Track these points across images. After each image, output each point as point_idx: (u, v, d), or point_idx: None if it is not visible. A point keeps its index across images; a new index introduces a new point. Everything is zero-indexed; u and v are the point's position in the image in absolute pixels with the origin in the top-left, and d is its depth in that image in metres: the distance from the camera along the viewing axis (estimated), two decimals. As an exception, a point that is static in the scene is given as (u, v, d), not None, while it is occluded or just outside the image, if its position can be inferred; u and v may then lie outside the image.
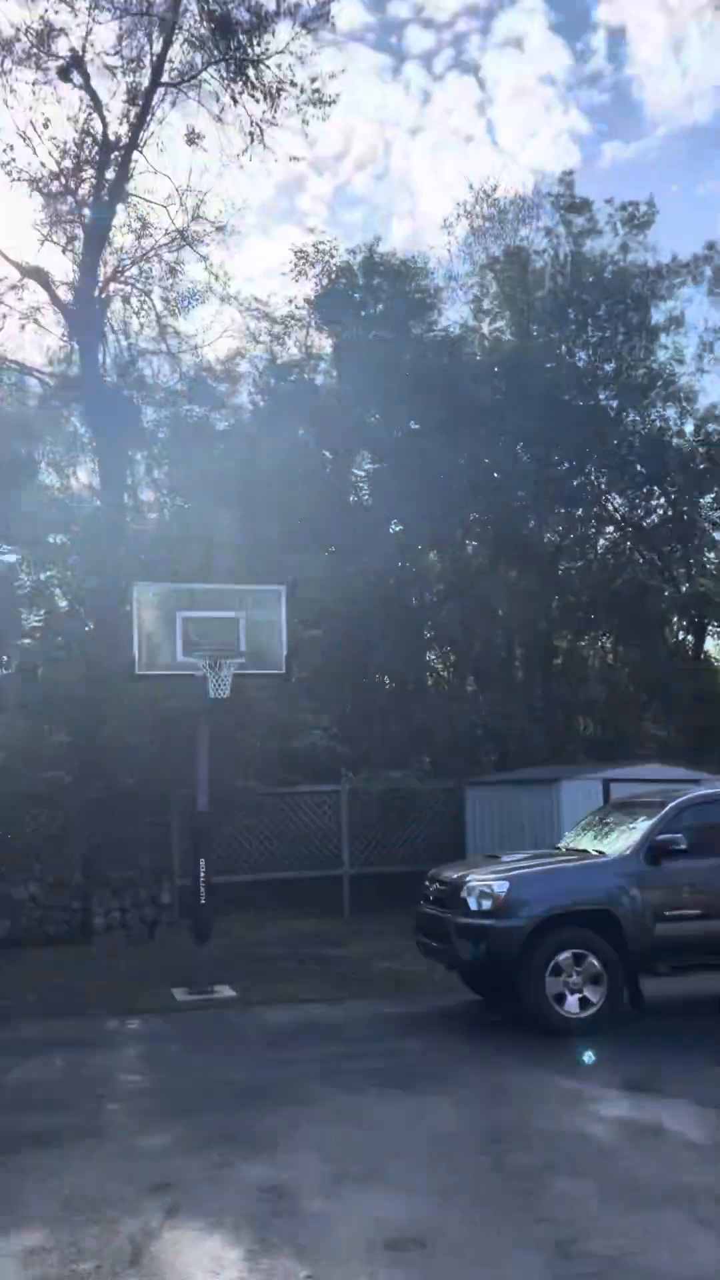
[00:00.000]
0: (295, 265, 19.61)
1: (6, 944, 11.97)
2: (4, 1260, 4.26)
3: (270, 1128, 5.84)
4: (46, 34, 17.07)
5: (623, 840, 8.59)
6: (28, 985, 10.08)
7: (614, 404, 19.95)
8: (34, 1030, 8.58)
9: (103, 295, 18.75)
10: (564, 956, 7.89)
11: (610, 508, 21.03)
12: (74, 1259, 4.25)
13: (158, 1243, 4.38)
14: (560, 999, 7.86)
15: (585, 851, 8.90)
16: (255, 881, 13.88)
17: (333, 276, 19.20)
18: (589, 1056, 7.14)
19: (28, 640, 14.47)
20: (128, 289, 20.01)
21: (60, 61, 17.27)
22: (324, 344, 20.20)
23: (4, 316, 19.23)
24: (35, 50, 17.11)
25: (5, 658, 13.96)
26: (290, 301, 20.09)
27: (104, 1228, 4.53)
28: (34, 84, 17.28)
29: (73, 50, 17.25)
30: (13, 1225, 4.59)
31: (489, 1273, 4.08)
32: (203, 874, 9.92)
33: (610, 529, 21.31)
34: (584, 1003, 7.88)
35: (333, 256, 19.43)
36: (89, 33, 17.22)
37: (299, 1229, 4.47)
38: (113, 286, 19.37)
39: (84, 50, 17.28)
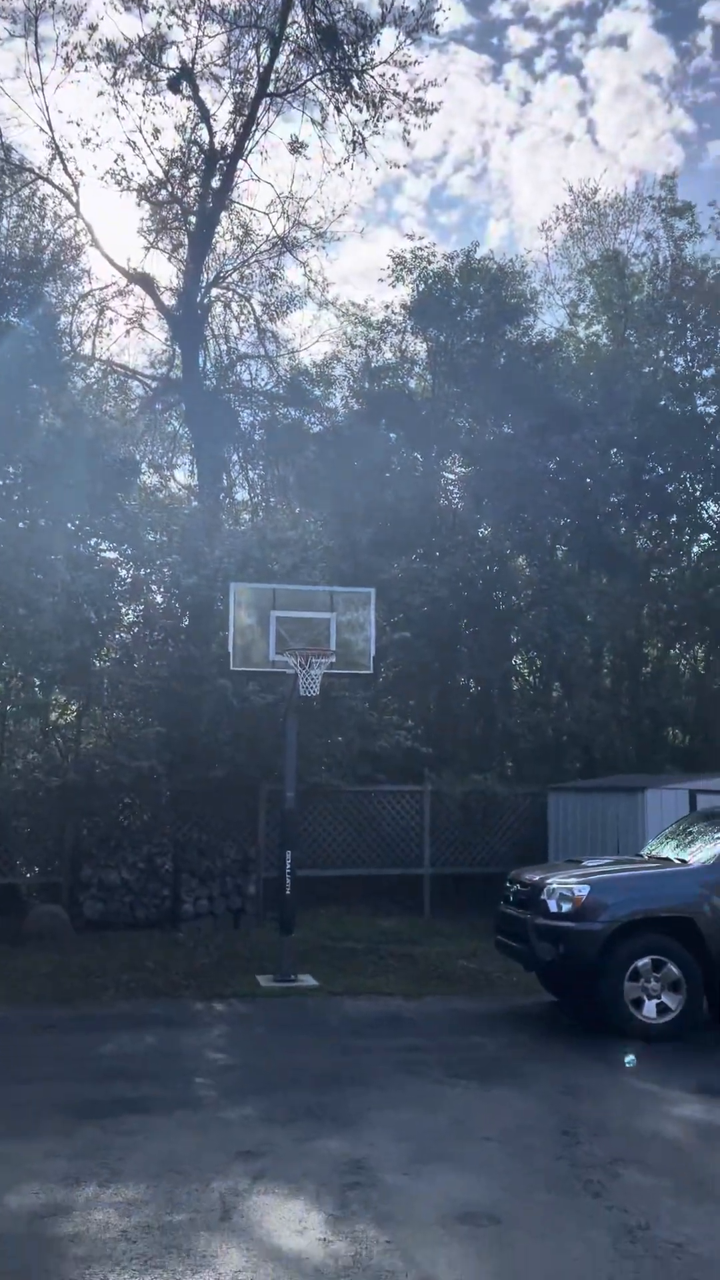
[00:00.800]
0: (393, 271, 19.82)
1: (99, 926, 12.47)
2: (106, 1209, 4.60)
3: (350, 1109, 6.10)
4: (158, 46, 17.69)
5: (707, 849, 8.62)
6: (120, 965, 10.53)
7: (711, 410, 19.70)
8: (125, 1008, 9.00)
9: (204, 300, 19.33)
10: (643, 962, 7.98)
11: (705, 515, 20.75)
12: (169, 1211, 4.57)
13: (247, 1202, 4.68)
14: (638, 1004, 7.96)
15: (668, 860, 8.96)
16: (338, 877, 14.17)
17: (429, 282, 19.34)
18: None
19: (125, 634, 15.01)
20: (229, 294, 20.62)
21: (170, 73, 17.89)
22: (419, 348, 20.38)
23: (110, 321, 20.02)
24: (146, 63, 17.74)
25: (104, 650, 14.50)
26: (387, 307, 20.35)
27: (197, 1186, 4.85)
28: (144, 94, 17.93)
29: (182, 62, 17.85)
30: (112, 1179, 4.93)
31: (558, 1247, 4.27)
32: (289, 866, 10.25)
33: (704, 536, 21.04)
34: (662, 1009, 7.96)
35: (430, 262, 19.59)
36: (199, 45, 17.82)
37: (379, 1199, 4.71)
38: (214, 292, 19.98)
39: (193, 62, 17.88)
